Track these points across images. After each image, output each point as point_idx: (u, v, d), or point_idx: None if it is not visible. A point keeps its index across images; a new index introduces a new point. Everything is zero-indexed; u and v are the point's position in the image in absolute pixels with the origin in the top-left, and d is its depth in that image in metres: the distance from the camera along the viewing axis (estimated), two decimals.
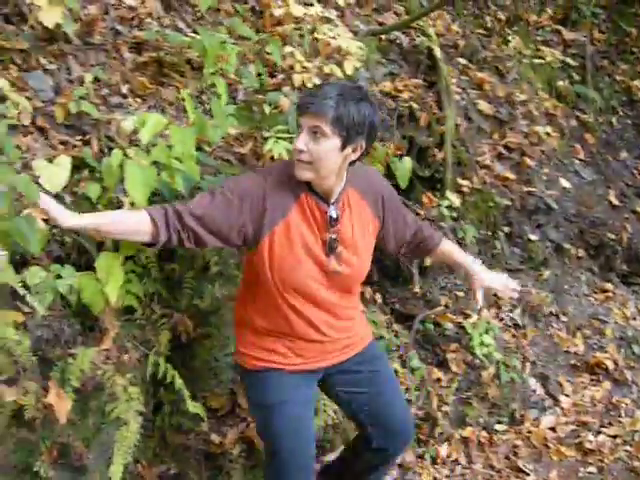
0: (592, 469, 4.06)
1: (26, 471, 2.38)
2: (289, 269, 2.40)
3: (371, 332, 2.87)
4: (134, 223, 2.26)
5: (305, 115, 2.28)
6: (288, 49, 3.56)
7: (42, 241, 2.16)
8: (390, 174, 4.14)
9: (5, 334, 2.09)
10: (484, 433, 4.28)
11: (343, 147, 2.29)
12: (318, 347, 2.60)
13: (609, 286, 5.57)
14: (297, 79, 3.51)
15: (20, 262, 2.28)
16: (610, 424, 4.50)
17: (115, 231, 2.27)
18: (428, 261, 4.40)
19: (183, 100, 2.97)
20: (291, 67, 3.55)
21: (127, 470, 2.64)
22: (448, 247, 2.96)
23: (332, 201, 2.43)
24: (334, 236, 2.45)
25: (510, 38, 5.89)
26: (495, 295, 4.66)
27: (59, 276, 2.27)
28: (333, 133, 2.26)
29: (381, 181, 2.71)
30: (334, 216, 2.43)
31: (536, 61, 5.97)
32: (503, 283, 3.06)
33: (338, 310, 2.59)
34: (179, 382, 2.73)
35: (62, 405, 2.31)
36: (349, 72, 3.82)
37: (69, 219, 2.16)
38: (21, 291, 2.11)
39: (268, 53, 3.41)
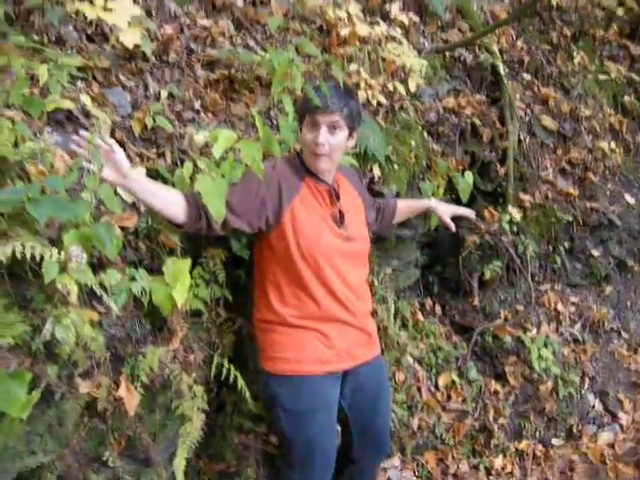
0: None
1: (95, 460, 2.52)
2: (313, 237, 2.67)
3: (378, 344, 3.05)
4: (172, 201, 2.47)
5: (325, 113, 2.64)
6: (354, 67, 3.68)
7: (118, 246, 2.31)
8: (452, 188, 4.22)
9: (83, 331, 2.23)
10: (540, 447, 4.30)
11: (349, 136, 2.75)
12: (346, 333, 2.79)
13: None
14: (361, 96, 3.63)
15: (97, 265, 2.44)
16: None
17: (154, 203, 2.43)
18: (487, 274, 4.46)
19: (252, 116, 3.13)
20: (356, 84, 3.67)
21: (189, 465, 2.76)
22: (404, 202, 3.48)
23: (330, 182, 2.80)
24: (341, 209, 2.81)
25: (575, 54, 5.85)
26: (556, 310, 4.71)
27: (133, 278, 2.43)
28: (345, 125, 2.69)
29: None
30: (336, 192, 2.82)
31: (601, 77, 5.91)
32: (462, 208, 3.63)
33: (356, 286, 2.83)
34: (241, 382, 2.85)
35: (131, 399, 2.46)
36: (412, 89, 3.92)
37: (128, 172, 2.34)
38: (98, 291, 2.26)
39: (328, 64, 3.53)
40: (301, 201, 2.71)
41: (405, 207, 3.44)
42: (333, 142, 2.68)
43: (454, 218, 3.53)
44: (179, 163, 2.82)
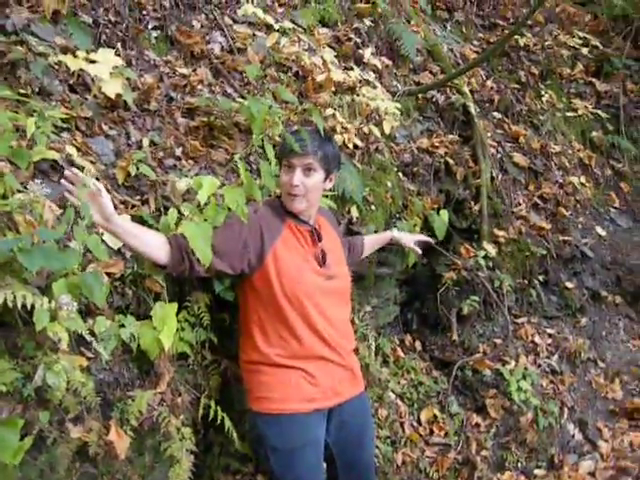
0: None
1: None
2: (295, 277, 2.76)
3: (362, 381, 3.11)
4: (155, 244, 2.55)
5: (299, 156, 2.79)
6: (329, 111, 3.78)
7: (105, 293, 2.37)
8: (428, 226, 4.32)
9: (73, 377, 2.28)
10: (522, 477, 4.35)
11: (325, 178, 2.88)
12: (330, 371, 2.87)
13: None
14: (338, 139, 3.73)
15: (85, 312, 2.49)
16: None
17: (138, 245, 2.50)
18: (465, 309, 4.55)
19: (231, 161, 3.21)
20: (332, 128, 3.77)
21: None
22: (369, 237, 3.64)
23: (311, 223, 2.93)
24: (323, 249, 2.92)
25: (543, 92, 6.04)
26: (533, 342, 4.81)
27: (122, 325, 2.49)
28: (320, 168, 2.83)
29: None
30: (318, 233, 2.94)
31: (569, 113, 6.11)
32: (421, 236, 3.87)
33: (338, 324, 2.92)
34: (228, 423, 2.89)
35: (121, 443, 2.49)
36: (387, 131, 4.04)
37: (112, 215, 2.40)
38: (88, 338, 2.31)
39: (310, 114, 3.63)
40: (283, 242, 2.81)
41: (371, 241, 3.60)
42: (308, 184, 2.81)
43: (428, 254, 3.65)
44: (163, 210, 2.88)
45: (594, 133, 6.31)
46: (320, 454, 2.88)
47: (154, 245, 2.54)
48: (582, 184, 5.66)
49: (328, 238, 3.01)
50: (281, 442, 2.78)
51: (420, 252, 3.80)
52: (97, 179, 2.77)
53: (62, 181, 2.37)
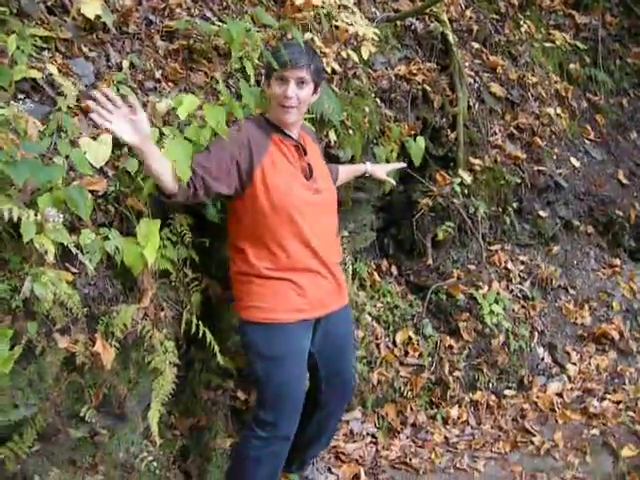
0: (595, 432, 4.27)
1: (73, 416, 2.66)
2: (284, 191, 2.85)
3: (347, 293, 3.25)
4: (171, 172, 2.61)
5: (293, 68, 2.84)
6: (308, 35, 3.80)
7: (89, 208, 2.43)
8: (405, 153, 4.38)
9: (60, 289, 2.35)
10: (493, 397, 4.54)
11: (314, 90, 2.98)
12: (317, 282, 2.99)
13: (617, 261, 5.76)
14: None
15: (70, 227, 2.55)
16: (614, 391, 4.73)
17: (158, 169, 2.56)
18: (440, 235, 4.65)
19: (210, 84, 3.24)
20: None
21: (161, 420, 2.90)
22: (344, 167, 3.69)
23: (296, 137, 3.00)
24: (309, 162, 3.02)
25: (522, 23, 6.04)
26: (506, 268, 4.93)
27: (107, 238, 2.55)
28: (311, 80, 2.92)
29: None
30: (303, 147, 3.02)
31: (547, 45, 6.12)
32: (393, 164, 4.02)
33: (326, 236, 3.03)
34: (210, 337, 2.99)
35: (107, 354, 2.59)
36: (365, 57, 4.06)
37: (149, 136, 2.51)
38: (74, 251, 2.38)
39: (290, 39, 3.64)
40: (270, 158, 2.88)
41: (345, 171, 3.67)
42: (301, 95, 2.89)
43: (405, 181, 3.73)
44: None
45: (572, 65, 6.34)
46: (304, 363, 3.01)
47: (171, 173, 2.60)
48: (558, 115, 5.72)
49: (312, 153, 3.10)
50: (268, 349, 2.91)
51: (394, 182, 3.92)
52: (78, 101, 2.82)
53: (92, 105, 2.41)
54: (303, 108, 2.97)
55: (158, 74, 3.22)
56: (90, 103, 2.42)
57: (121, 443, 2.88)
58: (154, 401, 2.81)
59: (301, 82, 2.88)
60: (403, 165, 4.08)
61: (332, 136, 3.75)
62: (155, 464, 2.98)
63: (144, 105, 3.02)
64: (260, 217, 2.86)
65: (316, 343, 3.07)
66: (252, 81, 2.95)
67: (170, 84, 3.25)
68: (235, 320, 3.20)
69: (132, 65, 3.15)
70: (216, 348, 3.02)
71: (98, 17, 3.03)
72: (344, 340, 3.22)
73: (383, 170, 3.81)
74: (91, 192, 2.56)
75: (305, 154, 3.02)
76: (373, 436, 4.11)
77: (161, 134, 2.83)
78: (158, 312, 2.88)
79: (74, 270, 2.56)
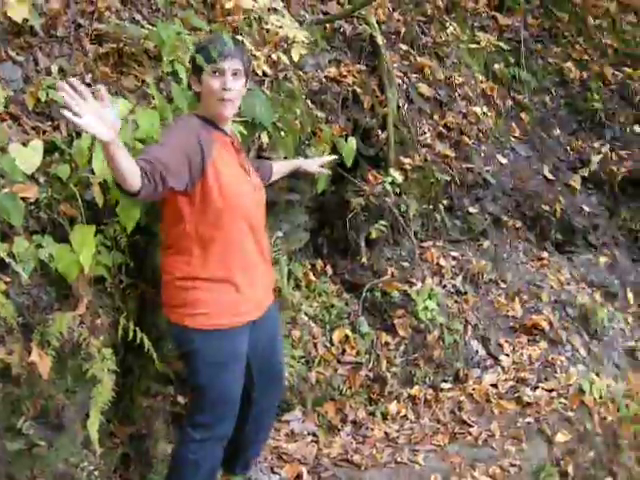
0: (530, 420, 4.39)
1: (9, 429, 2.60)
2: (236, 190, 2.83)
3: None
4: (135, 169, 2.43)
5: (227, 60, 2.82)
6: (238, 38, 3.81)
7: (22, 216, 2.40)
8: (336, 153, 4.42)
9: None
10: (430, 391, 4.61)
11: (246, 83, 2.98)
12: (260, 279, 3.01)
13: (544, 254, 5.92)
14: None
15: (1, 236, 2.51)
16: (546, 379, 4.83)
17: (126, 167, 2.37)
18: (373, 234, 4.71)
19: (142, 88, 3.22)
20: None
21: (101, 428, 2.85)
22: (277, 164, 3.68)
23: (229, 134, 2.98)
24: (245, 159, 3.04)
25: (448, 24, 6.16)
26: (438, 264, 5.03)
27: (40, 245, 2.52)
28: (244, 73, 2.91)
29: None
30: (239, 143, 3.04)
31: (472, 46, 6.27)
32: (325, 158, 3.99)
33: (263, 231, 3.06)
34: (148, 344, 2.97)
35: (44, 363, 2.55)
36: (296, 59, 4.09)
37: (113, 135, 2.28)
38: (7, 259, 2.34)
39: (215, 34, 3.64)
40: (219, 154, 2.82)
41: (279, 167, 3.67)
42: (236, 87, 2.86)
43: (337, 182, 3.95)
44: (75, 135, 2.89)
45: (496, 65, 6.50)
46: (244, 365, 3.02)
47: (135, 171, 2.44)
48: (484, 114, 5.86)
49: (243, 151, 3.11)
50: (213, 356, 2.88)
51: (328, 172, 4.00)
52: (6, 106, 2.77)
53: (62, 96, 2.21)
54: (237, 102, 2.94)
55: (88, 78, 3.18)
56: (63, 89, 2.21)
57: (60, 454, 2.82)
58: (93, 410, 2.78)
59: (235, 74, 2.85)
60: (334, 157, 4.12)
61: (264, 138, 3.77)
62: (96, 473, 2.93)
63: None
64: (212, 216, 2.79)
65: (250, 342, 3.05)
66: (184, 84, 2.94)
67: (101, 88, 3.21)
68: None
69: (61, 69, 3.11)
70: (154, 354, 3.01)
71: (26, 20, 2.99)
72: (273, 336, 3.25)
73: (316, 164, 3.84)
74: (23, 199, 2.53)
75: (241, 150, 3.03)
76: (314, 435, 4.14)
77: (93, 139, 2.81)
78: (94, 319, 2.85)
79: (7, 279, 2.53)
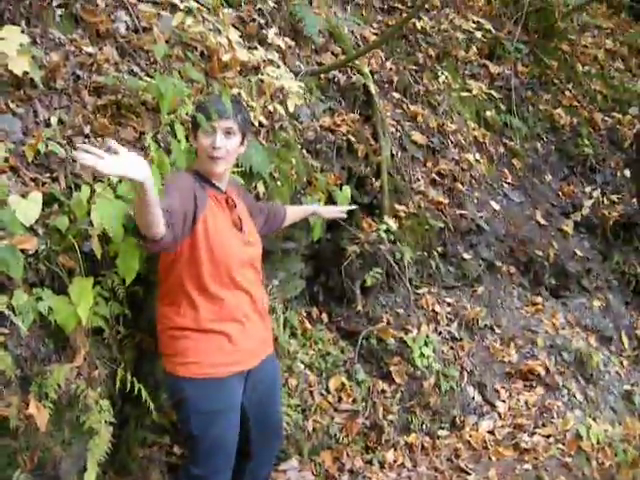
0: (528, 466, 4.37)
1: None
2: (225, 244, 2.88)
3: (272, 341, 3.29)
4: (161, 213, 2.49)
5: (222, 119, 2.91)
6: (235, 90, 3.87)
7: (21, 268, 2.41)
8: (332, 202, 4.47)
9: None
10: (427, 438, 4.59)
11: (242, 141, 3.05)
12: (253, 331, 3.02)
13: (539, 299, 5.95)
14: None
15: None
16: (544, 425, 4.84)
17: (155, 211, 2.43)
18: (368, 281, 4.73)
19: (140, 140, 3.26)
20: None
21: None
22: (291, 209, 3.77)
23: (224, 190, 3.04)
24: (239, 216, 3.05)
25: (440, 73, 6.26)
26: (433, 311, 5.04)
27: (40, 298, 2.53)
28: (239, 131, 2.99)
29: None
30: (233, 201, 3.05)
31: (464, 94, 6.36)
32: (339, 208, 4.08)
33: (256, 286, 3.08)
34: (145, 394, 2.97)
35: (41, 415, 2.54)
36: (291, 110, 4.15)
37: (147, 172, 2.31)
38: (7, 312, 2.35)
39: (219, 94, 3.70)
40: (211, 211, 2.89)
41: (294, 212, 3.77)
42: (229, 146, 2.94)
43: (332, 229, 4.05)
44: (73, 187, 2.92)
45: (488, 112, 6.59)
46: (238, 416, 3.01)
47: (161, 218, 2.50)
48: (477, 161, 5.93)
49: (240, 206, 3.13)
50: (206, 405, 2.89)
51: (344, 215, 4.06)
52: (6, 159, 2.80)
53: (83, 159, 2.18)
54: (231, 159, 3.02)
55: (87, 130, 3.22)
56: (79, 157, 2.18)
57: None
58: (90, 461, 2.77)
59: (228, 132, 2.93)
60: (355, 207, 4.32)
61: (261, 188, 3.81)
62: None
63: (73, 161, 3.02)
64: (197, 269, 2.86)
65: (246, 392, 3.06)
66: (181, 137, 2.98)
67: (99, 139, 3.25)
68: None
69: (60, 121, 3.15)
70: (151, 404, 3.00)
71: (26, 73, 3.03)
72: (271, 387, 3.24)
73: (330, 210, 4.00)
74: (22, 251, 2.54)
75: (235, 207, 3.06)
76: None
77: (92, 191, 2.83)
78: (92, 370, 2.85)
79: (5, 331, 2.53)
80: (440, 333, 5.07)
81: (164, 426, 3.41)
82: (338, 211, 4.02)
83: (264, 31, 4.61)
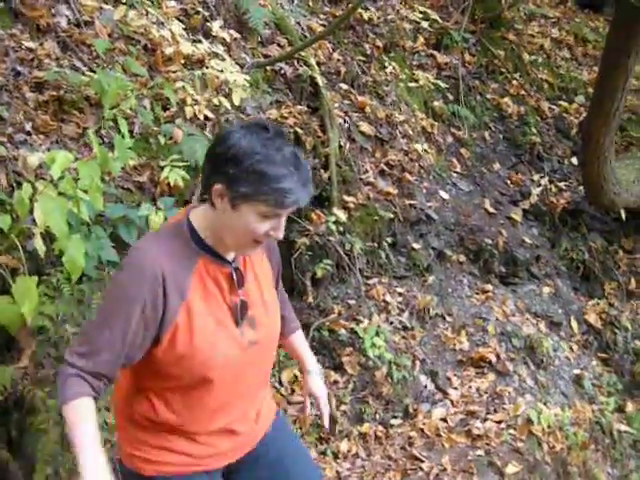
0: (480, 452, 4.41)
1: None
2: (205, 359, 2.05)
3: (273, 401, 2.55)
4: (94, 412, 1.96)
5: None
6: (179, 84, 3.84)
7: None
8: None
9: None
10: (381, 428, 4.61)
11: None
12: (232, 439, 2.26)
13: (489, 287, 5.97)
14: (189, 111, 3.81)
15: None
16: (495, 411, 4.87)
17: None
18: (319, 273, 4.75)
19: (83, 135, 3.23)
20: (183, 100, 3.83)
21: None
22: (300, 339, 2.74)
23: (232, 258, 2.11)
24: (243, 298, 2.12)
25: (387, 64, 6.30)
26: (384, 301, 5.07)
27: None
28: None
29: None
30: (240, 275, 2.13)
31: (412, 84, 6.41)
32: (324, 402, 2.68)
33: (253, 389, 2.29)
34: None
35: None
36: (237, 103, 4.14)
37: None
38: None
39: (162, 88, 3.68)
40: (187, 314, 2.01)
41: (296, 344, 2.72)
42: None
43: None
44: (15, 185, 2.88)
45: (435, 102, 6.64)
46: None
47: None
48: (425, 151, 5.97)
49: (255, 277, 2.21)
50: None
51: (308, 410, 2.79)
52: None
53: None
54: None
55: (28, 126, 3.19)
56: None
57: None
58: (40, 462, 2.75)
59: None
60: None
61: None
62: None
63: (15, 159, 2.98)
64: (174, 370, 2.07)
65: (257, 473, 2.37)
66: (125, 131, 2.95)
67: (41, 136, 3.22)
68: None
69: (1, 118, 3.10)
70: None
71: None
72: (289, 443, 2.50)
73: (315, 387, 2.67)
74: None
75: (241, 285, 2.12)
76: None
77: (34, 189, 2.79)
78: (38, 370, 2.82)
79: None
80: (391, 323, 5.09)
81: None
82: (316, 390, 2.68)
83: (209, 23, 4.59)
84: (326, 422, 2.66)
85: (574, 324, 6.23)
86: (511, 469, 4.29)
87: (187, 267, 2.01)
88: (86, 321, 2.32)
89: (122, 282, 2.00)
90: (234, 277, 2.09)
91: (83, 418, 1.92)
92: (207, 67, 4.07)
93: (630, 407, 5.81)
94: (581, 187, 6.84)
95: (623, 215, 6.57)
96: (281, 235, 2.00)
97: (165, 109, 3.85)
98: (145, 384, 2.13)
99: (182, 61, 4.01)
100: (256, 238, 1.98)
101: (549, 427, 4.70)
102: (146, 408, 2.13)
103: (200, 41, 4.26)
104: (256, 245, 2.03)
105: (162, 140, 3.66)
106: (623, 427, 5.51)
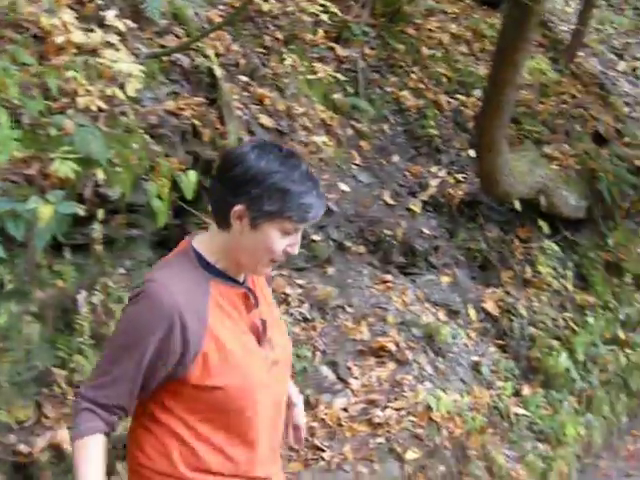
0: (381, 440, 4.49)
1: None
2: (240, 385, 2.00)
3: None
4: (104, 450, 1.97)
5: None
6: (70, 73, 3.74)
7: None
8: (177, 187, 4.40)
9: None
10: None
11: None
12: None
13: (389, 277, 6.07)
14: (81, 102, 3.71)
15: None
16: (395, 399, 4.94)
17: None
18: None
19: None
20: (75, 91, 3.73)
21: None
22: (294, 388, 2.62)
23: (242, 279, 2.10)
24: (263, 318, 2.12)
25: (287, 56, 6.30)
26: (285, 293, 5.08)
27: None
28: None
29: None
30: (254, 295, 2.10)
31: (311, 77, 6.43)
32: (304, 428, 2.64)
33: (282, 407, 2.24)
34: None
35: None
36: (131, 94, 4.05)
37: None
38: None
39: (46, 78, 3.58)
40: (211, 337, 1.96)
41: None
42: None
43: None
44: None
45: (335, 95, 6.68)
46: None
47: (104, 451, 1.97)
48: (325, 143, 6.00)
49: (264, 298, 2.23)
50: None
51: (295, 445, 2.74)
52: None
53: None
54: None
55: None
56: None
57: None
58: None
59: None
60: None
61: (100, 175, 3.69)
62: None
63: None
64: (205, 404, 2.00)
65: None
66: (6, 126, 2.83)
67: None
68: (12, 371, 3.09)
69: None
70: None
71: None
72: None
73: (298, 419, 2.59)
74: None
75: (257, 305, 2.10)
76: None
77: None
78: None
79: None
80: (292, 315, 5.10)
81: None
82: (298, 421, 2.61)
83: (103, 12, 4.47)
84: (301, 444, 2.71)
85: (472, 312, 6.40)
86: (411, 455, 4.38)
87: (202, 293, 1.98)
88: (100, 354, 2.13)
89: (139, 314, 1.95)
90: (250, 297, 2.07)
91: (89, 458, 1.92)
92: (100, 57, 3.97)
93: (526, 391, 6.04)
94: (478, 179, 7.00)
95: (518, 206, 6.79)
96: (297, 251, 2.05)
97: (55, 100, 3.74)
98: (167, 431, 2.00)
99: (74, 50, 3.90)
100: (274, 256, 2.00)
101: (448, 413, 4.83)
102: (164, 456, 2.00)
103: (93, 30, 4.15)
104: (271, 264, 2.05)
105: (52, 132, 3.55)
106: (520, 410, 5.73)
